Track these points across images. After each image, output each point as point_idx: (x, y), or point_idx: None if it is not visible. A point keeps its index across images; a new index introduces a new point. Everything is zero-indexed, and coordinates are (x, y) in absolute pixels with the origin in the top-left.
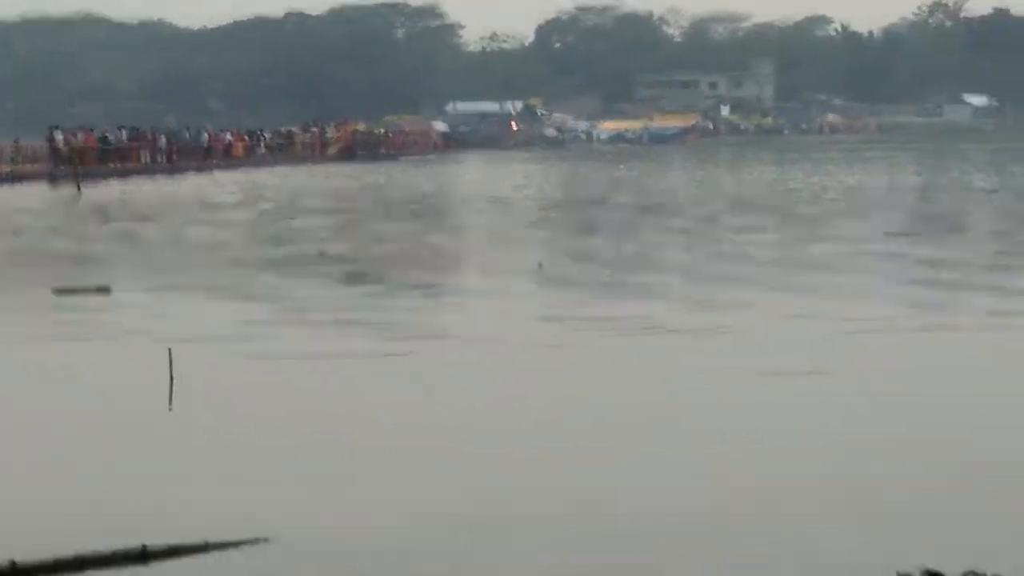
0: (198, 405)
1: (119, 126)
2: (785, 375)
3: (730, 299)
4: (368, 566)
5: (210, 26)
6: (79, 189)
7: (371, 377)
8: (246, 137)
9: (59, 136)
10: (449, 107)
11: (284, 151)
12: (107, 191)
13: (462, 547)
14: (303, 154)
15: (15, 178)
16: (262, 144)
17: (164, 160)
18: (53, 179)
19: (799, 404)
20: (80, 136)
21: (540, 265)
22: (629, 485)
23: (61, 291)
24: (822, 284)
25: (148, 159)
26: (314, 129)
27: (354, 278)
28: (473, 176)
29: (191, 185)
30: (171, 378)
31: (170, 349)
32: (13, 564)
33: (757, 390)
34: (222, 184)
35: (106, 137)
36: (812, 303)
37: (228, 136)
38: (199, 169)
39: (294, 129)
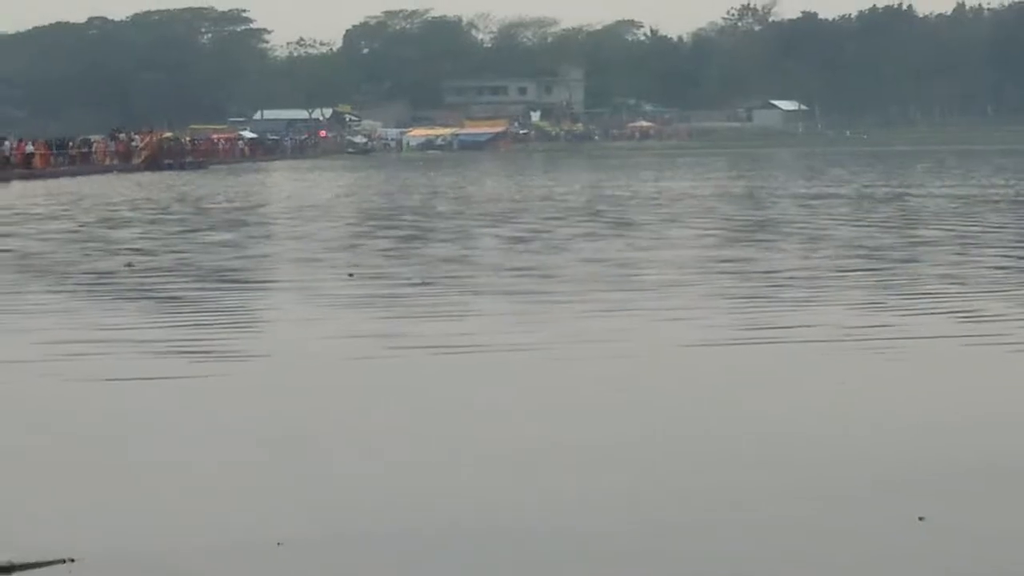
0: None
1: None
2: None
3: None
4: None
5: (10, 31)
6: None
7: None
8: (48, 146)
9: None
10: (257, 114)
11: (88, 160)
12: None
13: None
14: (108, 163)
15: None
16: (66, 153)
17: None
18: None
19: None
20: None
21: (351, 275)
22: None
23: None
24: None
25: None
26: (120, 136)
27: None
28: (282, 184)
29: None
30: None
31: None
32: None
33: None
34: (26, 195)
35: None
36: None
37: (29, 145)
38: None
39: (97, 138)
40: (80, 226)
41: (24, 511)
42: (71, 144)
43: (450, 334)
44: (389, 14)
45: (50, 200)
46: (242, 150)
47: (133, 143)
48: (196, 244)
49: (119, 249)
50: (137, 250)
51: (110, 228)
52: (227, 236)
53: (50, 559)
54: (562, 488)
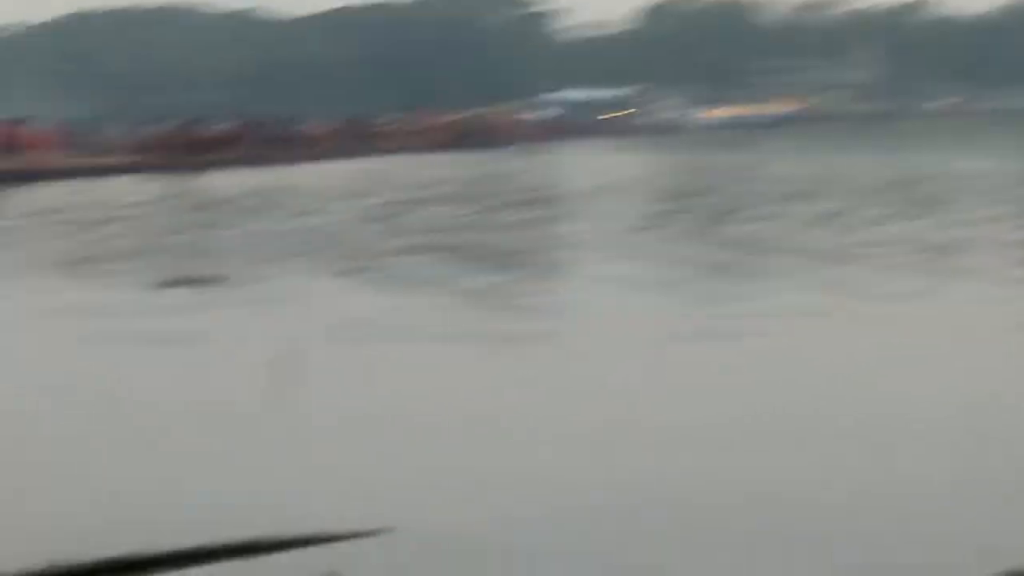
0: (312, 395)
1: (209, 118)
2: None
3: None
4: (491, 560)
5: (300, 15)
6: (176, 181)
7: (483, 367)
8: (341, 127)
9: (157, 127)
10: (554, 95)
11: (375, 141)
12: (201, 183)
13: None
14: (398, 144)
15: (107, 171)
16: (358, 134)
17: (257, 152)
18: (146, 171)
19: None
20: (171, 127)
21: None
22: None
23: (166, 283)
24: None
25: (241, 150)
26: (418, 116)
27: (468, 261)
28: (580, 165)
29: (290, 176)
30: (278, 371)
31: (282, 339)
32: (131, 559)
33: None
34: (322, 175)
35: (199, 128)
36: None
37: (323, 126)
38: (291, 160)
39: (391, 118)
40: (387, 204)
41: (343, 485)
42: (359, 124)
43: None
44: None
45: (347, 181)
46: (534, 131)
47: (426, 124)
48: (492, 225)
49: (416, 230)
50: (434, 231)
51: (404, 208)
52: (526, 215)
53: (368, 530)
54: None
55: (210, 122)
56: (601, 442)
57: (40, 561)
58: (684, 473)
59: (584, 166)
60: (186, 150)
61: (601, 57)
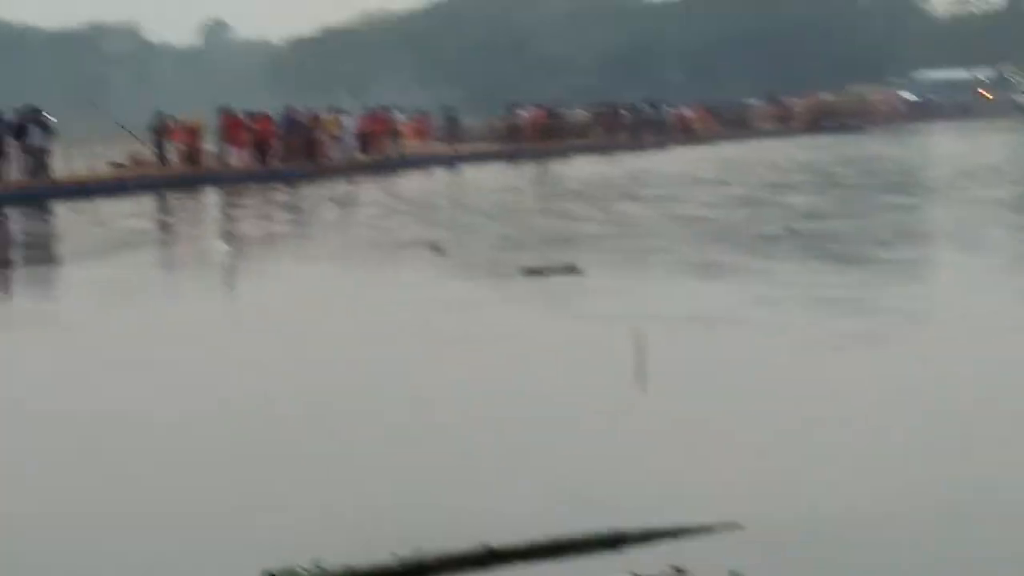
0: (667, 386)
1: (577, 102)
2: None
3: None
4: (844, 556)
5: None
6: (544, 168)
7: (857, 361)
8: (704, 110)
9: (522, 113)
10: (916, 75)
11: (744, 125)
12: (569, 169)
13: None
14: (765, 128)
15: (476, 157)
16: (722, 118)
17: (625, 136)
18: (513, 157)
19: None
20: (538, 112)
21: None
22: None
23: (529, 271)
24: None
25: (608, 135)
26: (784, 98)
27: (840, 258)
28: (948, 147)
29: (656, 161)
30: (639, 359)
31: (637, 329)
32: (490, 550)
33: None
34: (688, 159)
35: (566, 113)
36: None
37: (687, 110)
38: (660, 145)
39: (753, 101)
40: (754, 190)
41: (695, 476)
42: (724, 107)
43: None
44: None
45: (715, 164)
46: (899, 112)
47: (790, 106)
48: (869, 207)
49: (791, 213)
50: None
51: (774, 193)
52: (898, 199)
53: (717, 523)
54: None
55: (572, 107)
56: (950, 439)
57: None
58: None
59: (947, 149)
60: (546, 136)
61: (965, 36)
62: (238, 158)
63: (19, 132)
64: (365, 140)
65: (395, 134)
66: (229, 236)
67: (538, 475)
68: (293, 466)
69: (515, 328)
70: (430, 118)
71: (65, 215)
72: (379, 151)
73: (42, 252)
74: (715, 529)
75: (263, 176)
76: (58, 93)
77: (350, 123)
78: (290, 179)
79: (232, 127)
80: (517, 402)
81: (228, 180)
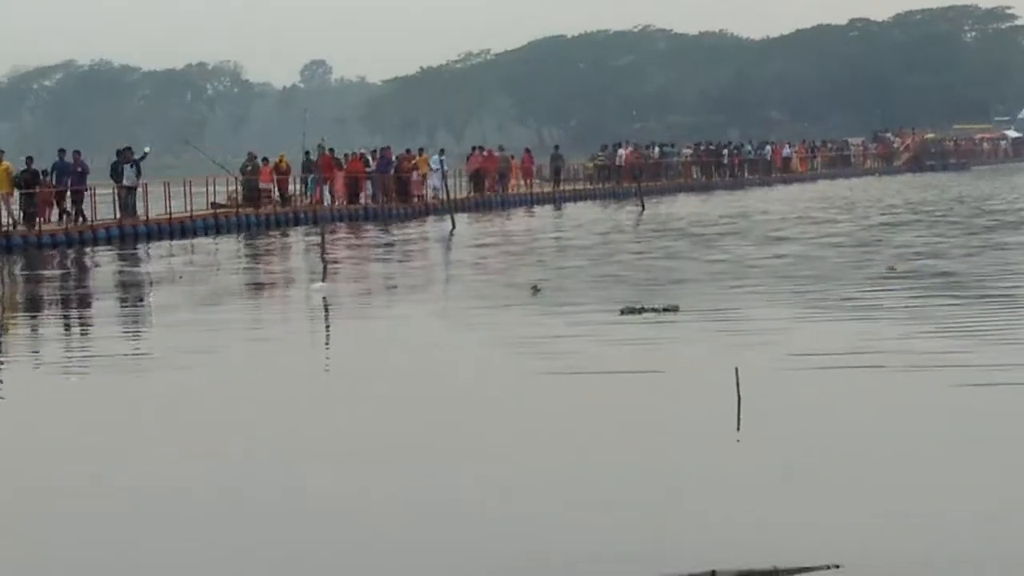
0: (766, 426)
1: (679, 141)
2: None
3: None
4: None
5: (772, 35)
6: (642, 206)
7: (939, 402)
8: (806, 149)
9: (621, 152)
10: (1022, 114)
11: (847, 163)
12: (669, 207)
13: None
14: (868, 166)
15: (573, 197)
16: (827, 155)
17: (727, 175)
18: (615, 196)
19: None
20: (631, 152)
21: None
22: None
23: (628, 311)
24: None
25: (709, 174)
26: (887, 136)
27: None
28: None
29: (755, 199)
30: (739, 398)
31: (736, 368)
32: None
33: None
34: (790, 198)
35: (665, 152)
36: None
37: (787, 148)
38: (762, 183)
39: (856, 140)
40: (860, 229)
41: (792, 518)
42: (827, 146)
43: None
44: None
45: (818, 203)
46: (1004, 150)
47: (894, 144)
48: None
49: (898, 252)
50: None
51: (886, 231)
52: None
53: (816, 565)
54: None
55: (673, 146)
56: None
57: None
58: None
59: None
60: (644, 175)
61: None
62: (330, 197)
63: (113, 172)
64: (477, 178)
65: (505, 173)
66: (327, 278)
67: (637, 515)
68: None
69: (610, 367)
70: (533, 157)
71: (149, 255)
72: (491, 189)
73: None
74: (814, 569)
75: (355, 215)
76: (158, 133)
77: (439, 162)
78: (383, 218)
79: (325, 167)
80: (612, 443)
81: (321, 219)
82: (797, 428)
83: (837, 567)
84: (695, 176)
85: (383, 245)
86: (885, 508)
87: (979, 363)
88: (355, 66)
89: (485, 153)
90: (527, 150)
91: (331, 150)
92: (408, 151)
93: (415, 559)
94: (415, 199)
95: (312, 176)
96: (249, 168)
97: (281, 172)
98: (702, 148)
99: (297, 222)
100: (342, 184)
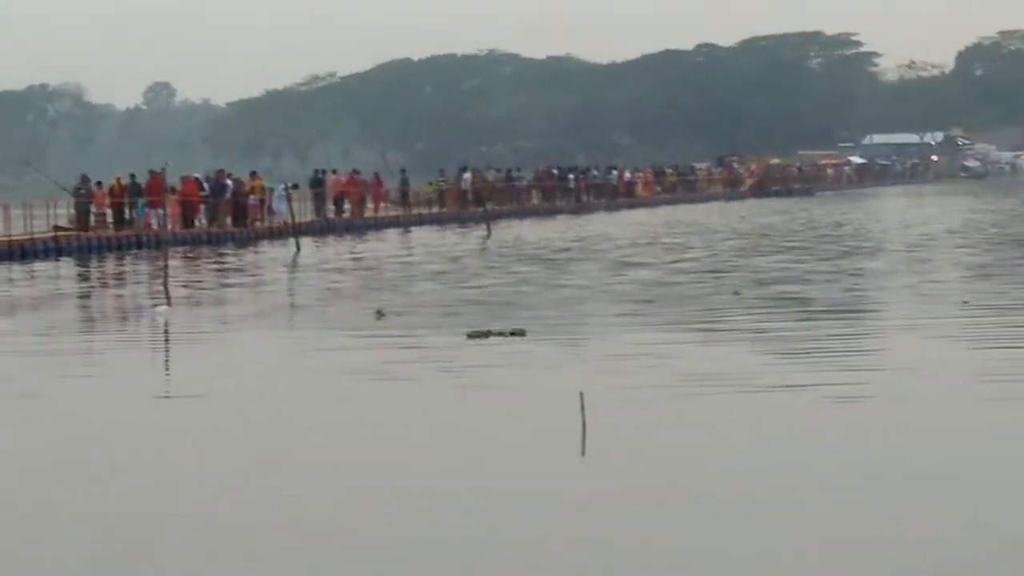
0: (612, 452)
1: (526, 166)
2: None
3: None
4: None
5: (618, 60)
6: (489, 231)
7: (786, 417)
8: (651, 175)
9: (467, 177)
10: (866, 139)
11: (692, 188)
12: (515, 232)
13: None
14: (712, 191)
15: (422, 221)
16: (665, 181)
17: (573, 199)
18: (461, 220)
19: None
20: (488, 176)
21: (965, 302)
22: None
23: (475, 335)
24: None
25: (553, 199)
26: (733, 161)
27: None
28: (895, 210)
29: (601, 224)
30: (583, 423)
31: (582, 394)
32: None
33: None
34: (634, 222)
35: (512, 177)
36: None
37: (629, 173)
38: (608, 208)
39: (701, 165)
40: (709, 255)
41: (637, 543)
42: (672, 171)
43: None
44: (1004, 34)
45: (666, 228)
46: (848, 176)
47: (739, 170)
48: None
49: (752, 277)
50: (766, 277)
51: (737, 257)
52: (856, 265)
53: None
54: None
55: (520, 171)
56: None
57: None
58: None
59: (900, 212)
60: (490, 199)
61: (914, 100)
62: (163, 221)
63: None
64: (339, 201)
65: (363, 196)
66: (170, 302)
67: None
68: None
69: (455, 390)
70: (382, 180)
71: None
72: (356, 212)
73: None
74: None
75: (197, 239)
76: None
77: (283, 188)
78: (223, 242)
79: (154, 190)
80: (450, 467)
81: (163, 243)
82: (642, 451)
83: None
84: (536, 201)
85: (227, 270)
86: (732, 531)
87: (819, 383)
88: (200, 88)
89: (346, 176)
90: (376, 174)
91: (162, 170)
92: (254, 173)
93: None
94: (254, 223)
95: (141, 200)
96: (82, 191)
97: (115, 195)
98: (544, 172)
99: (139, 245)
100: (175, 208)
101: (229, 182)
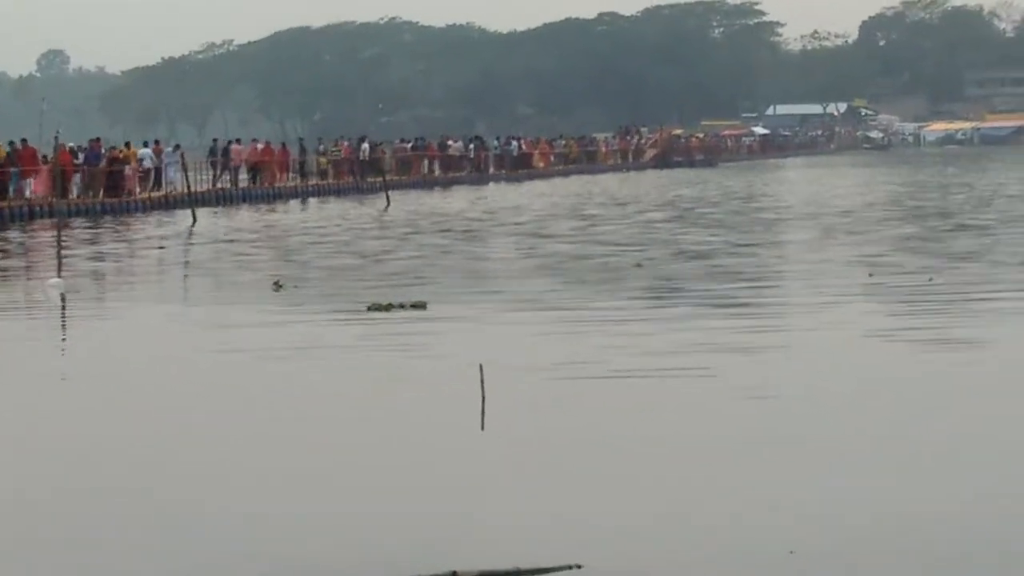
0: (510, 425)
1: (421, 136)
2: None
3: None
4: None
5: (519, 28)
6: (388, 201)
7: (679, 396)
8: (550, 145)
9: (365, 147)
10: (769, 110)
11: (591, 159)
12: (415, 202)
13: None
14: (613, 162)
15: (321, 192)
16: (573, 151)
17: (473, 170)
18: (359, 191)
19: None
20: (388, 146)
21: (871, 275)
22: None
23: (375, 307)
24: None
25: (458, 168)
26: (634, 131)
27: (671, 290)
28: (796, 182)
29: (504, 195)
30: (483, 396)
31: (481, 366)
32: None
33: None
34: (537, 193)
35: (413, 147)
36: None
37: (524, 144)
38: (508, 179)
39: (600, 136)
40: (625, 227)
41: (534, 518)
42: (572, 141)
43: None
44: (907, 4)
45: (568, 200)
46: (750, 146)
47: (641, 140)
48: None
49: (664, 249)
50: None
51: (646, 229)
52: (737, 236)
53: (557, 565)
54: None
55: (424, 139)
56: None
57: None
58: None
59: (804, 184)
60: (398, 170)
61: (818, 71)
62: (35, 191)
63: None
64: (254, 171)
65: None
66: (62, 274)
67: (378, 516)
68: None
69: (359, 366)
70: (288, 150)
71: None
72: (271, 182)
73: None
74: (554, 570)
75: (91, 210)
76: None
77: (175, 155)
78: (92, 214)
79: (28, 159)
80: (363, 438)
81: (57, 213)
82: (540, 426)
83: (579, 567)
84: (435, 172)
85: (118, 241)
86: (626, 507)
87: (723, 365)
88: (94, 56)
89: (261, 145)
90: (283, 144)
91: (55, 137)
92: (156, 142)
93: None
94: (129, 193)
95: (14, 170)
96: None
97: None
98: (440, 142)
99: (32, 216)
100: (45, 177)
101: (104, 151)
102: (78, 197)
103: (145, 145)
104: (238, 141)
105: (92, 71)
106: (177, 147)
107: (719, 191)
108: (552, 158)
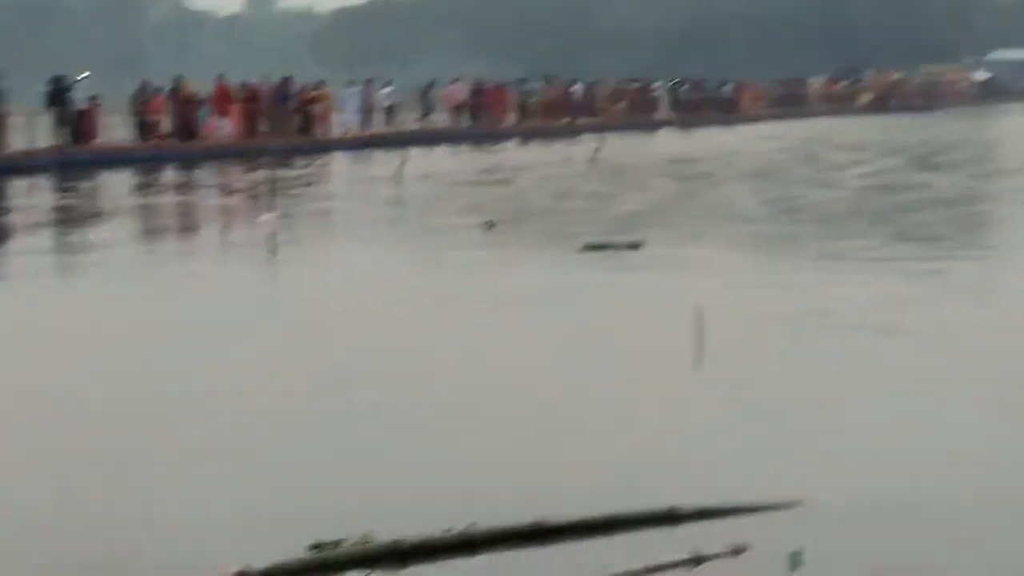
0: (726, 365)
1: (635, 78)
2: None
3: None
4: (908, 533)
5: None
6: (599, 143)
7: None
8: (759, 90)
9: (577, 88)
10: (991, 55)
11: (802, 102)
12: (625, 145)
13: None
14: (829, 106)
15: (530, 134)
16: (787, 96)
17: (684, 113)
18: (571, 133)
19: None
20: (602, 85)
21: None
22: None
23: (590, 247)
24: None
25: (664, 112)
26: (847, 78)
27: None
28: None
29: (725, 137)
30: (700, 337)
31: (699, 306)
32: (541, 525)
33: None
34: (749, 137)
35: (622, 88)
36: None
37: (748, 88)
38: (723, 123)
39: (815, 80)
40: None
41: (750, 456)
42: (795, 87)
43: None
44: None
45: (781, 145)
46: (971, 93)
47: (856, 85)
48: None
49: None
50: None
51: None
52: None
53: (776, 502)
54: None
55: (620, 82)
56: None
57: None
58: None
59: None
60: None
61: None
62: (226, 131)
63: (52, 100)
64: (475, 112)
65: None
66: (273, 211)
67: (592, 449)
68: (347, 439)
69: (575, 304)
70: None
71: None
72: (493, 124)
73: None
74: (775, 507)
75: (251, 151)
76: (98, 61)
77: (353, 97)
78: (281, 154)
79: (220, 98)
80: (576, 378)
81: (254, 152)
82: (756, 368)
83: (799, 504)
84: (645, 114)
85: (319, 182)
86: (844, 444)
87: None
88: None
89: (469, 87)
90: (501, 84)
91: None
92: (367, 82)
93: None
94: (318, 134)
95: (203, 109)
96: (140, 99)
97: (180, 101)
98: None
99: (226, 156)
100: (238, 117)
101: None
102: (269, 133)
103: (353, 85)
104: (453, 82)
105: (299, 11)
106: (388, 84)
107: (957, 137)
108: (763, 102)
